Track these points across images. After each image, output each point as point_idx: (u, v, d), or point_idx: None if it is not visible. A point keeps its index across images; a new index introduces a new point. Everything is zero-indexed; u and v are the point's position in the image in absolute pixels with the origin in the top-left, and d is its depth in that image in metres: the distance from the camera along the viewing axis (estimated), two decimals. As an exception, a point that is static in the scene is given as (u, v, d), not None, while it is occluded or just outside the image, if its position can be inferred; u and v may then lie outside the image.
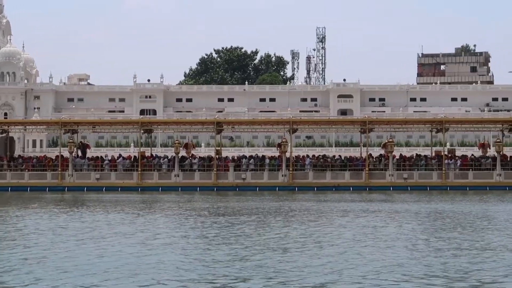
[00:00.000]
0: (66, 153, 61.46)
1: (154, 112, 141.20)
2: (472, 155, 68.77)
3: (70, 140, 62.31)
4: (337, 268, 18.11)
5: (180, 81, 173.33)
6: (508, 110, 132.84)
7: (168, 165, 62.92)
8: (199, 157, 68.40)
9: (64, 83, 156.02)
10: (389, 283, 16.45)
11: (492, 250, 21.37)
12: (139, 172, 60.57)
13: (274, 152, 76.50)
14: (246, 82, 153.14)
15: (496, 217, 32.37)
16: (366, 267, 18.31)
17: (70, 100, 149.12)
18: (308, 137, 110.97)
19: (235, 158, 67.38)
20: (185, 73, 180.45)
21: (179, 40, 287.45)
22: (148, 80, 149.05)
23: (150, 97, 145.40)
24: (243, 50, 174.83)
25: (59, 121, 65.75)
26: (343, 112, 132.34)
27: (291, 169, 61.98)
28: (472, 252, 20.72)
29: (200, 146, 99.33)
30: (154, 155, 66.80)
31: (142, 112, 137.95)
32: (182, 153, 65.60)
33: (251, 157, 67.49)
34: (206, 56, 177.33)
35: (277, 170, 63.27)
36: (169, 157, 64.02)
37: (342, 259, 19.74)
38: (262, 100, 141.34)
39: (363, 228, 27.67)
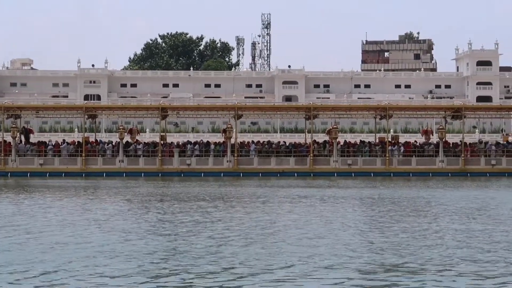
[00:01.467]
0: (9, 138, 60.88)
1: (99, 97, 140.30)
2: (415, 141, 69.51)
3: (13, 125, 61.77)
4: (274, 256, 17.97)
5: (124, 66, 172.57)
6: (451, 97, 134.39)
7: (113, 151, 62.70)
8: (144, 142, 68.16)
9: (7, 68, 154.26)
10: (338, 269, 16.45)
11: (436, 233, 21.56)
12: (83, 158, 60.21)
13: (219, 138, 76.30)
14: (191, 68, 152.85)
15: (438, 202, 32.63)
16: (312, 251, 18.28)
17: (13, 85, 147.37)
18: (253, 123, 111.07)
19: (180, 143, 67.31)
20: (130, 58, 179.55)
21: (124, 25, 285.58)
22: (92, 65, 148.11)
23: (94, 82, 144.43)
24: (188, 35, 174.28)
25: (1, 106, 64.71)
26: (288, 98, 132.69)
27: (236, 155, 62.08)
28: (416, 235, 20.85)
29: (145, 132, 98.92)
30: (98, 141, 66.58)
31: (86, 97, 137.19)
32: (127, 138, 65.33)
33: (196, 143, 67.48)
34: (151, 42, 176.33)
35: (222, 156, 63.37)
36: (114, 143, 63.84)
37: (277, 247, 19.59)
38: (207, 86, 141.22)
39: (305, 214, 27.54)
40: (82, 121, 72.02)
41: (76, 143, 65.01)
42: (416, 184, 49.68)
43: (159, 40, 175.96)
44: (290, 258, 17.36)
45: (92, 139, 66.55)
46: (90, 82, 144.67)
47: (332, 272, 15.68)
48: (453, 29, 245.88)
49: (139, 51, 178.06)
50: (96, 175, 58.68)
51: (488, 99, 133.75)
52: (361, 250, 18.32)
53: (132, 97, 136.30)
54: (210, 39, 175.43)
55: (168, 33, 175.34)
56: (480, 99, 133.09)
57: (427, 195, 37.56)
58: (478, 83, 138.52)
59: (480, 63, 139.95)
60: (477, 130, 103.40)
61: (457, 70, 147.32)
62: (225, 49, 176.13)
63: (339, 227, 23.17)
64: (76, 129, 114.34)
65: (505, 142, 68.50)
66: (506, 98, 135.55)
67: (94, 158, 61.35)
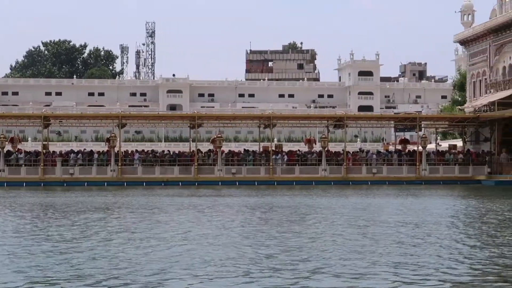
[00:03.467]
0: None
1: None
2: (299, 150, 70.30)
3: None
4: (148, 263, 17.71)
5: (6, 74, 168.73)
6: (333, 107, 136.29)
7: (-7, 160, 61.36)
8: (26, 151, 67.13)
9: None
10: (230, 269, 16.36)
11: (318, 238, 21.72)
12: (-38, 167, 58.85)
13: (103, 147, 75.75)
14: (75, 76, 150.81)
15: (320, 209, 32.92)
16: (193, 260, 18.19)
17: None
18: (138, 132, 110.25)
19: (63, 152, 66.57)
20: (11, 66, 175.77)
21: (5, 32, 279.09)
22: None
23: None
24: (71, 43, 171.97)
25: None
26: (173, 107, 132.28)
27: (120, 164, 61.73)
28: (298, 241, 20.93)
29: (27, 141, 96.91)
30: (-22, 150, 65.01)
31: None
32: (8, 147, 64.17)
33: (79, 152, 66.91)
34: (33, 49, 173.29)
35: (105, 165, 62.92)
36: (-6, 152, 62.38)
37: (151, 255, 19.28)
38: (91, 94, 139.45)
39: (184, 223, 27.25)
40: (-39, 130, 70.18)
41: (-45, 152, 63.32)
42: (299, 192, 50.00)
43: (42, 48, 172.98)
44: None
45: (-28, 148, 64.98)
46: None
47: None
48: (336, 40, 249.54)
49: (21, 59, 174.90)
50: (-24, 185, 57.44)
51: (369, 108, 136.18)
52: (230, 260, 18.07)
53: (13, 105, 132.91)
54: (93, 47, 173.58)
55: (51, 41, 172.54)
56: (361, 108, 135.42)
57: (310, 203, 37.85)
58: (359, 93, 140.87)
59: (361, 73, 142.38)
60: (358, 139, 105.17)
61: (340, 80, 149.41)
62: (109, 57, 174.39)
63: (208, 234, 22.93)
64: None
65: (385, 151, 69.91)
66: (386, 107, 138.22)
67: (-26, 167, 60.09)
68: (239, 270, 15.62)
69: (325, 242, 20.63)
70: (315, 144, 67.91)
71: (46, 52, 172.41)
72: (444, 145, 76.84)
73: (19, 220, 28.21)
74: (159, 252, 18.70)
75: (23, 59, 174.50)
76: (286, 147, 75.95)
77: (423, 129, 72.04)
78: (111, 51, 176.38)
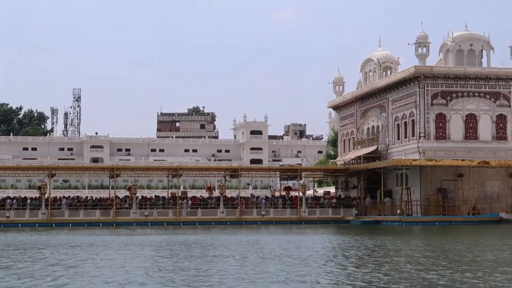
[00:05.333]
0: None
1: None
2: (201, 196, 70.19)
3: None
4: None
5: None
6: (230, 160, 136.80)
7: None
8: (-33, 198, 65.28)
9: None
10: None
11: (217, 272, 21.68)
12: None
13: (35, 193, 74.05)
14: (11, 134, 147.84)
15: (218, 245, 32.92)
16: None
17: None
18: (65, 181, 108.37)
19: (0, 199, 65.08)
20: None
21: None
22: None
23: None
24: (8, 106, 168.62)
25: None
26: (95, 160, 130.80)
27: (49, 208, 60.62)
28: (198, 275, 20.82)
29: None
30: None
31: None
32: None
33: (14, 198, 65.63)
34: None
35: (37, 209, 61.66)
36: None
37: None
38: (25, 149, 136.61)
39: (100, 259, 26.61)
40: None
41: None
42: (201, 231, 49.85)
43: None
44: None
45: None
46: None
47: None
48: (232, 104, 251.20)
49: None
50: None
51: (259, 161, 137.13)
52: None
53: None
54: (28, 109, 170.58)
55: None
56: (253, 161, 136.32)
57: (209, 239, 37.78)
58: (251, 149, 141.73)
59: (253, 132, 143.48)
60: (250, 187, 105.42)
61: (235, 138, 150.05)
62: (41, 118, 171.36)
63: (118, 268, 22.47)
64: None
65: (272, 196, 70.25)
66: (273, 160, 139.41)
67: None
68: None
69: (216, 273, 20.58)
70: (215, 191, 67.83)
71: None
72: (320, 191, 77.67)
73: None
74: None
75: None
76: (191, 193, 75.71)
77: (303, 178, 72.78)
78: (43, 112, 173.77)
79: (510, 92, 64.86)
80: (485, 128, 64.50)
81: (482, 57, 66.34)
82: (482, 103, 64.53)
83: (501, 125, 64.81)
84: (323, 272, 20.52)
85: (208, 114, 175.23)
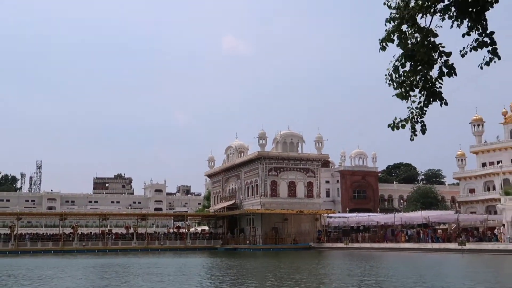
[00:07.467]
0: None
1: None
2: (121, 232, 68.05)
3: None
4: None
5: None
6: (141, 208, 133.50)
7: None
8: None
9: None
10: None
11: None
12: None
13: (6, 230, 69.63)
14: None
15: (130, 264, 32.19)
16: None
17: None
18: (29, 222, 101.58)
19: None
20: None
21: None
22: None
23: None
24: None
25: None
26: (50, 208, 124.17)
27: (16, 240, 57.57)
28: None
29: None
30: None
31: None
32: None
33: (-8, 234, 61.65)
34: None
35: (8, 241, 58.37)
36: None
37: None
38: (1, 200, 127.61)
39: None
40: None
41: None
42: (115, 256, 48.54)
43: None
44: None
45: None
46: None
47: None
48: (143, 170, 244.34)
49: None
50: None
51: (160, 209, 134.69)
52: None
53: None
54: (4, 174, 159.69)
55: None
56: (156, 209, 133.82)
57: (125, 261, 36.87)
58: (155, 201, 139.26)
59: (156, 190, 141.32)
60: (154, 226, 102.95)
61: (144, 194, 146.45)
62: (13, 179, 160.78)
63: None
64: None
65: (168, 232, 69.35)
66: (169, 209, 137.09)
67: None
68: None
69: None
70: (130, 229, 66.47)
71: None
72: (199, 229, 77.52)
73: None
74: None
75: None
76: (114, 230, 73.64)
77: (188, 220, 72.56)
78: (15, 175, 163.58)
79: (315, 168, 67.85)
80: (300, 190, 66.78)
81: (298, 147, 68.94)
82: (298, 174, 66.95)
83: (310, 188, 67.34)
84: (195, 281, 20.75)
85: (127, 178, 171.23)
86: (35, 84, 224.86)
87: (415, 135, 7.11)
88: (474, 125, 76.79)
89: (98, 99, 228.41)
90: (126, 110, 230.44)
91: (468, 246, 44.04)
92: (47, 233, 65.49)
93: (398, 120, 7.09)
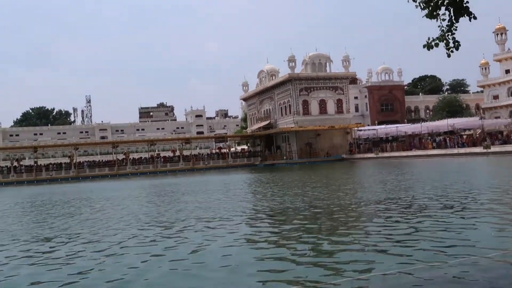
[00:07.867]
0: None
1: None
2: (168, 155, 68.69)
3: None
4: None
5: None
6: (184, 133, 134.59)
7: None
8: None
9: None
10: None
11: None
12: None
13: (67, 160, 71.45)
14: (49, 125, 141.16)
15: (181, 183, 32.17)
16: None
17: None
18: (85, 151, 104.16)
19: (47, 164, 62.82)
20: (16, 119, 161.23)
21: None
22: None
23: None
24: (45, 108, 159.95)
25: None
26: (103, 137, 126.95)
27: (76, 168, 58.75)
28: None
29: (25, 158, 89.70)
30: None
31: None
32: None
33: (55, 163, 63.28)
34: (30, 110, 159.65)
35: (69, 169, 59.81)
36: None
37: None
38: (59, 133, 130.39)
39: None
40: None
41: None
42: (170, 176, 49.05)
43: (31, 111, 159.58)
44: None
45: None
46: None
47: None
48: (185, 100, 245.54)
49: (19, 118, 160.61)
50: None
51: (202, 133, 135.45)
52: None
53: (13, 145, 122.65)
54: (59, 109, 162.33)
55: (35, 107, 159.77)
56: (198, 133, 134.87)
57: (176, 180, 37.08)
58: (196, 125, 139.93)
59: (197, 116, 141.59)
60: (198, 148, 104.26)
61: (186, 120, 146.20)
62: (67, 114, 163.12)
63: None
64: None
65: (211, 153, 69.75)
66: (210, 131, 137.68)
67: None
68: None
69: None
70: (176, 152, 67.25)
71: (33, 113, 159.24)
72: (239, 148, 77.98)
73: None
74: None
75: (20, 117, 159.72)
76: (162, 154, 74.78)
77: (228, 141, 72.91)
78: (68, 110, 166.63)
79: (343, 85, 66.22)
80: (331, 107, 65.73)
81: (326, 67, 67.21)
82: (328, 92, 65.66)
83: (339, 104, 66.18)
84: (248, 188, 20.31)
85: (169, 106, 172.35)
86: (83, 27, 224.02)
87: (451, 51, 6.79)
88: (497, 34, 72.75)
89: (138, 39, 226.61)
90: (160, 45, 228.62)
91: (493, 149, 42.63)
92: (102, 160, 66.94)
93: (431, 39, 6.81)
